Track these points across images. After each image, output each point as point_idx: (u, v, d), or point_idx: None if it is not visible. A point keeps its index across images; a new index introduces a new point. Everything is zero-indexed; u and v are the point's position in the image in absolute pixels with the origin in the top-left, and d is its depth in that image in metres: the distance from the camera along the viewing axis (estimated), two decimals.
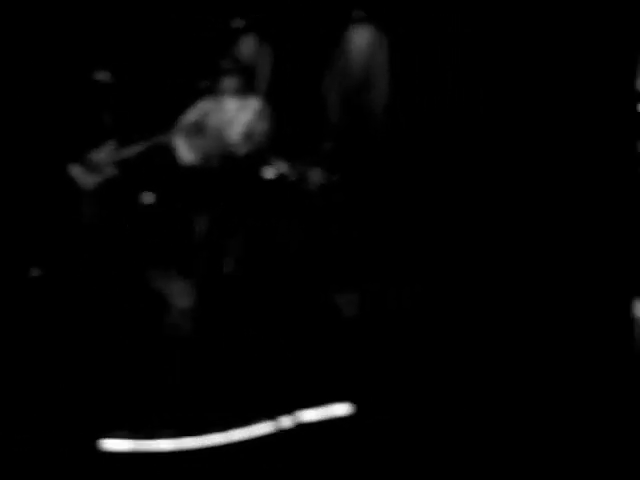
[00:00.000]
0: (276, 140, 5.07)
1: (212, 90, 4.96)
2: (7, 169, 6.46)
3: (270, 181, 5.20)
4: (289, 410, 2.92)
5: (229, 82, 4.92)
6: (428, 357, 4.04)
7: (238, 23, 7.65)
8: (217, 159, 4.70)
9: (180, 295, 4.83)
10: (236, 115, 4.86)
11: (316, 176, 6.01)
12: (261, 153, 4.84)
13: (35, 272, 5.61)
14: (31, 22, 6.67)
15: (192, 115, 5.12)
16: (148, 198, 6.61)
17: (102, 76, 5.68)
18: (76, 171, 5.59)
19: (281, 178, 5.30)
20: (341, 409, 3.06)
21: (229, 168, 4.81)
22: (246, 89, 4.96)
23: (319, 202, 5.78)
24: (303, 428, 2.87)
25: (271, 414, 2.89)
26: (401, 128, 6.85)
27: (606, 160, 5.47)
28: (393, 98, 7.04)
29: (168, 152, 5.23)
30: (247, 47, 7.72)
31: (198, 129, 5.00)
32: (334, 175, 6.13)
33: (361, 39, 7.24)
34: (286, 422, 2.87)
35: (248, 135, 4.85)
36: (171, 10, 7.26)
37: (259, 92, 5.36)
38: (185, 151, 4.86)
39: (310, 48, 7.28)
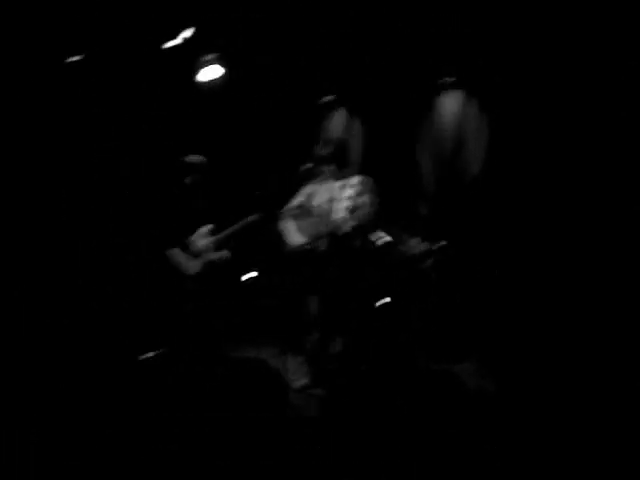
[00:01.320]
0: (380, 212, 5.09)
1: (313, 174, 5.05)
2: (113, 257, 6.76)
3: (379, 252, 5.21)
4: None
5: (328, 167, 5.01)
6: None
7: (328, 98, 7.85)
8: (326, 238, 4.76)
9: (295, 374, 4.83)
10: (339, 193, 4.92)
11: (417, 244, 5.99)
12: (367, 226, 4.87)
13: (148, 355, 5.75)
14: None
15: (297, 199, 5.23)
16: (251, 277, 6.72)
17: (195, 159, 5.83)
18: (178, 257, 5.73)
19: (388, 248, 5.31)
20: None
21: (338, 245, 4.85)
22: (343, 166, 5.03)
23: (425, 271, 5.75)
24: None
25: None
26: (496, 189, 6.79)
27: None
28: (487, 161, 7.01)
29: (272, 233, 5.33)
30: (338, 122, 7.89)
31: (304, 212, 5.07)
32: (434, 242, 6.09)
33: (452, 104, 7.28)
34: None
35: (352, 210, 4.89)
36: (259, 91, 7.52)
37: (354, 165, 5.41)
38: (294, 234, 4.91)
39: (401, 116, 7.37)
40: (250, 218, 5.92)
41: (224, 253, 5.87)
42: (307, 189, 5.18)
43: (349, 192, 5.01)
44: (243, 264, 6.95)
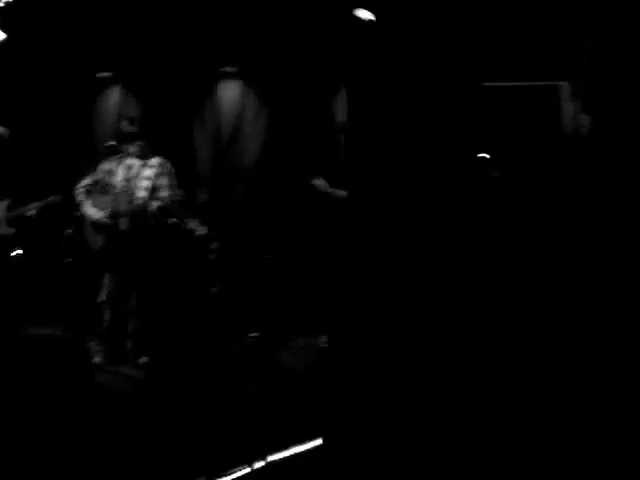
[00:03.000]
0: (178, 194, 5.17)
1: (114, 151, 4.98)
2: None
3: (198, 241, 5.34)
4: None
5: (130, 145, 4.98)
6: None
7: (104, 74, 7.68)
8: (127, 217, 4.74)
9: (94, 352, 4.77)
10: (138, 172, 4.91)
11: (195, 226, 6.14)
12: (169, 209, 4.93)
13: None
14: None
15: (94, 175, 5.12)
16: (16, 255, 6.44)
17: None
18: None
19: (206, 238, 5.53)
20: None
21: (139, 224, 4.85)
22: (144, 145, 5.05)
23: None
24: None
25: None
26: (272, 180, 7.17)
27: None
28: (264, 151, 7.37)
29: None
30: (114, 99, 7.75)
31: (101, 188, 4.99)
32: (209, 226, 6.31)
33: (231, 93, 7.52)
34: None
35: (151, 191, 4.92)
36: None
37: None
38: (91, 209, 4.81)
39: (180, 101, 7.45)
40: (50, 198, 5.72)
41: (12, 230, 5.63)
42: (105, 166, 5.11)
43: (148, 172, 5.05)
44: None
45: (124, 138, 4.99)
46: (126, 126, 5.01)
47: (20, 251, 6.53)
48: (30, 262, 6.79)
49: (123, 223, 4.91)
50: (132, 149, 5.06)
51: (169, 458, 3.04)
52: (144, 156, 5.11)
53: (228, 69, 7.49)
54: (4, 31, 6.63)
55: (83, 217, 5.03)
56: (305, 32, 6.78)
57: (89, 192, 5.10)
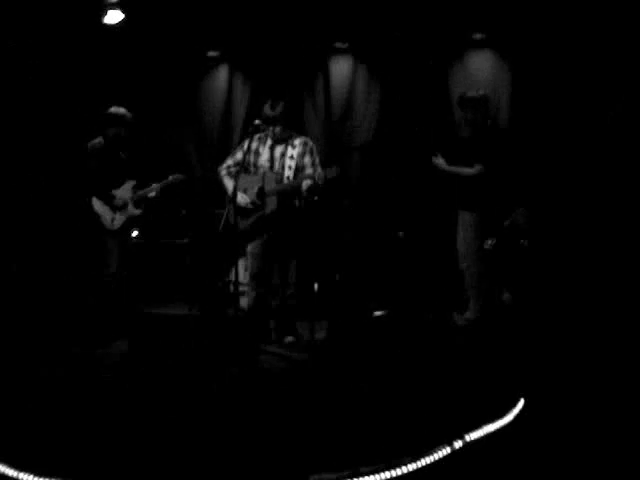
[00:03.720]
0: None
1: (257, 131, 4.95)
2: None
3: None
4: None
5: (273, 127, 4.93)
6: None
7: (212, 53, 7.66)
8: (273, 195, 4.71)
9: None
10: (284, 152, 4.87)
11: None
12: (318, 188, 4.87)
13: None
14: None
15: (236, 155, 5.09)
16: (135, 235, 6.51)
17: (119, 111, 5.49)
18: (99, 208, 5.45)
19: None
20: None
21: (287, 205, 4.82)
22: (288, 127, 5.00)
23: None
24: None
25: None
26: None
27: None
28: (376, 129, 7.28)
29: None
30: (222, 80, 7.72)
31: (245, 169, 4.95)
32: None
33: (341, 70, 7.44)
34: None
35: (296, 170, 4.88)
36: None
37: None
38: (237, 190, 4.76)
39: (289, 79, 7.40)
40: (171, 177, 5.74)
41: (141, 210, 5.68)
42: (246, 146, 5.09)
43: (293, 152, 5.01)
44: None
45: (267, 120, 4.94)
46: (268, 109, 4.96)
47: (136, 232, 6.60)
48: (153, 242, 6.90)
49: (271, 203, 4.89)
50: (276, 129, 5.02)
51: (352, 438, 2.98)
52: (287, 136, 5.06)
53: (339, 45, 7.39)
54: (122, 11, 6.64)
55: (228, 197, 5.02)
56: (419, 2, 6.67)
57: (233, 172, 5.09)
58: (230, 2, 6.85)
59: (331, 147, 7.28)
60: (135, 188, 5.67)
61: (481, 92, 5.48)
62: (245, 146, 5.06)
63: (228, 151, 5.63)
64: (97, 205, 5.54)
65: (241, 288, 5.39)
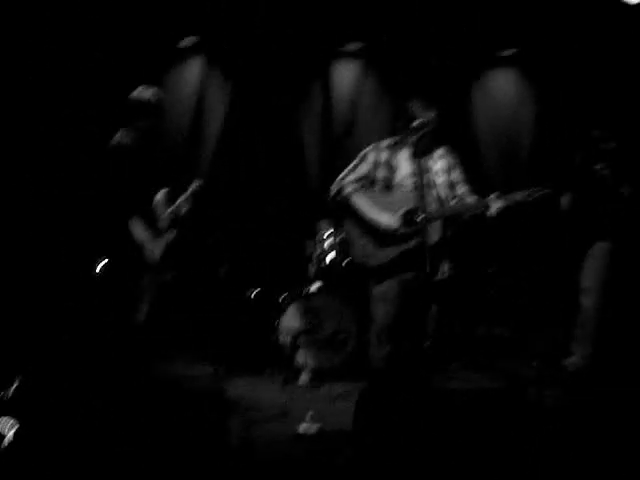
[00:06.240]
0: None
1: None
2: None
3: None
4: None
5: (410, 138, 3.74)
6: None
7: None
8: (439, 219, 3.52)
9: None
10: (429, 166, 3.69)
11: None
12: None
13: None
14: None
15: (362, 168, 3.79)
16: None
17: (144, 96, 3.91)
18: (141, 234, 3.79)
19: None
20: None
21: (453, 230, 3.64)
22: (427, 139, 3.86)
23: None
24: None
25: None
26: None
27: None
28: None
29: None
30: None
31: (377, 185, 3.70)
32: None
33: (345, 77, 6.35)
34: None
35: (451, 186, 3.73)
36: None
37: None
38: (377, 211, 3.52)
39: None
40: (196, 184, 4.35)
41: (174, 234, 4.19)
42: (369, 157, 3.90)
43: (439, 165, 3.89)
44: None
45: (404, 129, 3.81)
46: (420, 110, 3.81)
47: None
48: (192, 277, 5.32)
49: (434, 231, 3.68)
50: (411, 139, 3.86)
51: None
52: (427, 147, 3.91)
53: (344, 47, 6.28)
54: None
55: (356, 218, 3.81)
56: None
57: (362, 189, 3.86)
58: None
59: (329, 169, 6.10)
60: (169, 201, 4.20)
61: None
62: (371, 158, 3.89)
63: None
64: (138, 229, 3.93)
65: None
